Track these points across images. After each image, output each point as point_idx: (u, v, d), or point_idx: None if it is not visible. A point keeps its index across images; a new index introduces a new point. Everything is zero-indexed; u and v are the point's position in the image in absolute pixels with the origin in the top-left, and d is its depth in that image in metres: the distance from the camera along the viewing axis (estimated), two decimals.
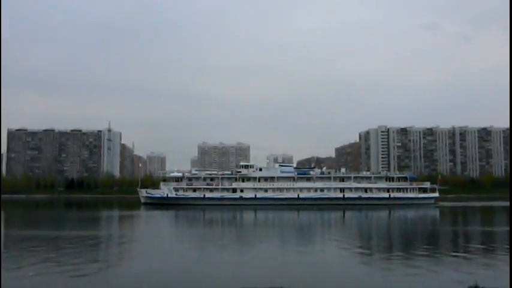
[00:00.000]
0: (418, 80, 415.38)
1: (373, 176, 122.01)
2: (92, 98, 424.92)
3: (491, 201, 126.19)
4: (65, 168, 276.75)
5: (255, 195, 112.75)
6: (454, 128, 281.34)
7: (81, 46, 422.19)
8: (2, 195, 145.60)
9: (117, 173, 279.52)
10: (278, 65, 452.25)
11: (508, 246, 34.68)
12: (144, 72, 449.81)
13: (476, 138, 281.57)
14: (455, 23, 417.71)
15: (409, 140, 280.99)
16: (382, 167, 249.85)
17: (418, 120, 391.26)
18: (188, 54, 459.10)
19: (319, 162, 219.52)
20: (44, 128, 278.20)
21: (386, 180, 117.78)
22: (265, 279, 21.47)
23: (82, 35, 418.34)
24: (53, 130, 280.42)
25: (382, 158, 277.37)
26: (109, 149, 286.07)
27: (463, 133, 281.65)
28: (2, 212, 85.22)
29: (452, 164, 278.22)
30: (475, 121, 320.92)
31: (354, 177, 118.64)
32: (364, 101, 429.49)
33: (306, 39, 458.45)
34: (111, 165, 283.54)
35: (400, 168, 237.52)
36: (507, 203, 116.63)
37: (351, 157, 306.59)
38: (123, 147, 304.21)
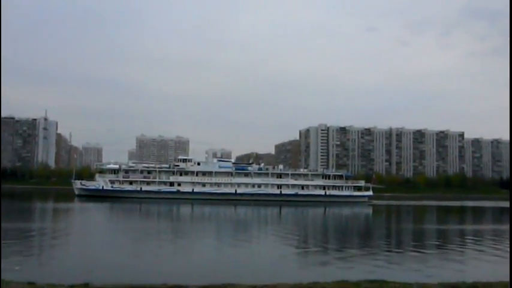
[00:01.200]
0: (358, 80, 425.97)
1: (310, 173, 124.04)
2: (26, 85, 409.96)
3: (424, 201, 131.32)
4: None
5: (193, 190, 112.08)
6: (391, 129, 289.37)
7: (16, 29, 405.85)
8: None
9: (52, 163, 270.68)
10: (221, 60, 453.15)
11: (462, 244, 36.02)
12: (83, 61, 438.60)
13: (411, 140, 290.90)
14: (395, 27, 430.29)
15: (348, 139, 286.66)
16: (321, 165, 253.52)
17: (356, 120, 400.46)
18: (131, 44, 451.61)
19: (258, 158, 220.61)
20: None
21: (322, 177, 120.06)
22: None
23: (16, 19, 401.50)
24: None
25: (322, 156, 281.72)
26: (45, 138, 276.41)
27: (399, 134, 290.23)
28: None
29: (388, 163, 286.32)
30: (410, 123, 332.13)
31: (291, 174, 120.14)
32: (304, 100, 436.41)
33: (250, 37, 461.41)
34: (46, 155, 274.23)
35: (339, 166, 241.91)
36: (438, 203, 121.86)
37: (291, 154, 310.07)
38: (59, 137, 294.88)
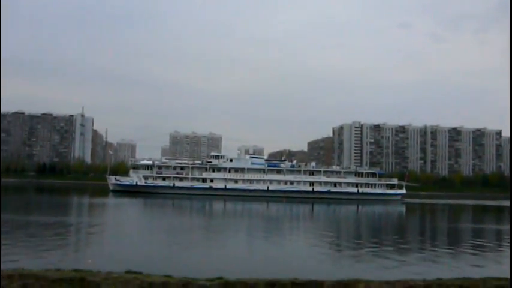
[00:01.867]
0: (392, 77, 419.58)
1: (342, 170, 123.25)
2: (63, 82, 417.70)
3: (460, 200, 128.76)
4: (34, 152, 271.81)
5: (225, 186, 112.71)
6: (425, 127, 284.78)
7: (52, 29, 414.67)
8: None
9: (88, 159, 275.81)
10: (253, 57, 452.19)
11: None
12: (118, 59, 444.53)
13: (447, 138, 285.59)
14: (428, 23, 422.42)
15: (382, 137, 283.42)
16: (355, 162, 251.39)
17: (390, 117, 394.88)
18: (163, 42, 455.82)
19: (290, 155, 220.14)
20: (13, 111, 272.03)
21: (355, 175, 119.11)
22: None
23: (53, 18, 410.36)
24: (22, 113, 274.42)
25: (355, 153, 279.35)
26: (82, 134, 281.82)
27: (434, 132, 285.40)
28: None
29: (422, 162, 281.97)
30: (446, 120, 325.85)
31: (324, 172, 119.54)
32: (338, 97, 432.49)
33: (283, 34, 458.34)
34: (82, 151, 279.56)
35: (372, 164, 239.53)
36: (475, 202, 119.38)
37: (324, 151, 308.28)
38: (95, 133, 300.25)
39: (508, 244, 33.36)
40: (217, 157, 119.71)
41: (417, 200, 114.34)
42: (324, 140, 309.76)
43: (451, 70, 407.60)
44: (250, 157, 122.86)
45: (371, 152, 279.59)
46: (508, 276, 12.81)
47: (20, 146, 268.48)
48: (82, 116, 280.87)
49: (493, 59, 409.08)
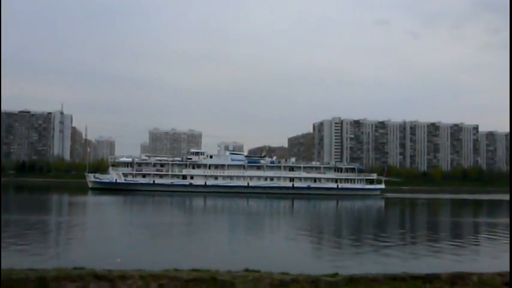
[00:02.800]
0: (370, 74, 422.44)
1: (322, 166, 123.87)
2: (39, 79, 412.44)
3: (440, 194, 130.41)
4: (11, 150, 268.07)
5: (205, 183, 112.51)
6: (404, 122, 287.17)
7: (29, 26, 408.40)
8: None
9: (67, 156, 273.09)
10: (232, 54, 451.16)
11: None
12: (94, 55, 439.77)
13: (425, 133, 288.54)
14: (405, 20, 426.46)
15: (362, 132, 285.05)
16: (335, 158, 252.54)
17: (370, 113, 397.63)
18: (142, 38, 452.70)
19: (270, 151, 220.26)
20: None
21: (335, 170, 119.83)
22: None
23: (28, 15, 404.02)
24: None
25: (335, 149, 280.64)
26: (61, 131, 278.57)
27: (413, 127, 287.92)
28: None
29: (402, 157, 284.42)
30: (424, 116, 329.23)
31: (304, 167, 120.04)
32: (316, 93, 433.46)
33: (261, 32, 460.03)
34: (62, 149, 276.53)
35: (352, 159, 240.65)
36: (454, 196, 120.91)
37: (304, 147, 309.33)
38: (74, 130, 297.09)
39: (508, 238, 33.60)
40: (197, 154, 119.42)
41: (397, 195, 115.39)
42: (304, 136, 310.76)
43: (428, 66, 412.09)
44: (230, 153, 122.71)
45: (351, 148, 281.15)
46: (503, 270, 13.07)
47: None
48: (61, 113, 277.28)
49: (468, 54, 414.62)
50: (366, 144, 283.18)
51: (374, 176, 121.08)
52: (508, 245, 29.19)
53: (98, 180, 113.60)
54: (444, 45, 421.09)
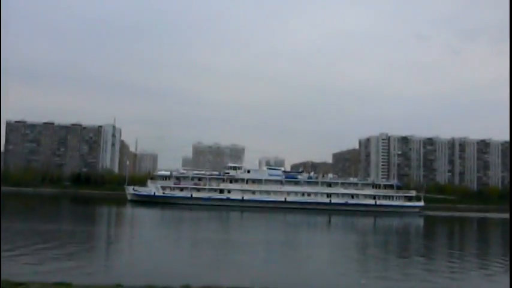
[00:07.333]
0: (415, 90, 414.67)
1: (360, 182, 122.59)
2: (89, 93, 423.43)
3: (488, 213, 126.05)
4: (63, 162, 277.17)
5: (242, 197, 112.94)
6: (453, 139, 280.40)
7: (76, 41, 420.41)
8: (9, 188, 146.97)
9: (115, 169, 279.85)
10: (275, 69, 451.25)
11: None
12: (141, 70, 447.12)
13: (475, 150, 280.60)
14: (445, 35, 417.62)
15: (410, 149, 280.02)
16: (382, 175, 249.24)
17: (416, 130, 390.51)
18: (187, 54, 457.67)
19: (313, 166, 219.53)
20: (43, 121, 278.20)
21: (372, 187, 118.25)
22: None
23: (79, 30, 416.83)
24: (52, 123, 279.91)
25: (382, 165, 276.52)
26: (113, 145, 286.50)
27: (463, 144, 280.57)
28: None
29: (450, 174, 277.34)
30: (474, 133, 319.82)
31: (341, 183, 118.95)
32: (362, 108, 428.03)
33: (304, 46, 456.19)
34: (112, 162, 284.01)
35: (400, 176, 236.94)
36: (504, 215, 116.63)
37: (349, 163, 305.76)
38: (122, 143, 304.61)
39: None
40: (234, 168, 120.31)
41: (437, 213, 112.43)
42: (349, 151, 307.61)
43: (473, 82, 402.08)
44: (268, 168, 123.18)
45: (399, 164, 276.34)
46: None
47: (49, 156, 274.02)
48: (114, 126, 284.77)
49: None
50: (413, 161, 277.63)
51: (413, 193, 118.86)
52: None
53: (136, 193, 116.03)
54: (488, 61, 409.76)
